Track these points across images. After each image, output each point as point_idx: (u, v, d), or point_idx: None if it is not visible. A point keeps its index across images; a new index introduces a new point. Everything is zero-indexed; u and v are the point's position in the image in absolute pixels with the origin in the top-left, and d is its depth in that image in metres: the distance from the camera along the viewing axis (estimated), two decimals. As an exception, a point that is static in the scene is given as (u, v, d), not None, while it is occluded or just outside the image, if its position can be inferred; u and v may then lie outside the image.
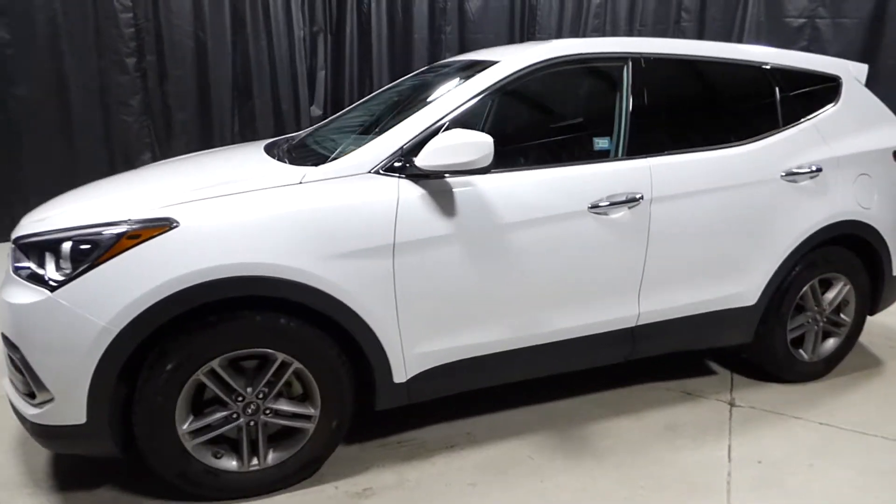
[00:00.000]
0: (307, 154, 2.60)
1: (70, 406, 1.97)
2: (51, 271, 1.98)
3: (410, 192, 2.21)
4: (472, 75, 2.46)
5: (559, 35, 5.97)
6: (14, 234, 2.18)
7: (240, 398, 2.15)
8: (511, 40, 6.10)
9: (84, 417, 1.98)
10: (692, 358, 3.28)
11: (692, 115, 2.83)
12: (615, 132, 2.59)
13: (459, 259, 2.27)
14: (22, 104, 5.02)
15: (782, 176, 2.78)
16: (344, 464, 2.42)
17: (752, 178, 2.71)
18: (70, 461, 2.40)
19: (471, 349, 2.39)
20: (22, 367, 2.01)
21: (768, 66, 2.89)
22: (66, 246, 1.97)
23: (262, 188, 2.12)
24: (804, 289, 2.95)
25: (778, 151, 2.79)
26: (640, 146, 2.58)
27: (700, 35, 5.62)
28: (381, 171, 2.22)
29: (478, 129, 2.21)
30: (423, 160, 2.16)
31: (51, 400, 1.98)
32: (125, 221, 1.98)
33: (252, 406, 2.17)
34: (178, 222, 1.99)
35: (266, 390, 2.17)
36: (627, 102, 2.59)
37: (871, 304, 3.17)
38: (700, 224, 2.64)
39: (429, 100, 2.42)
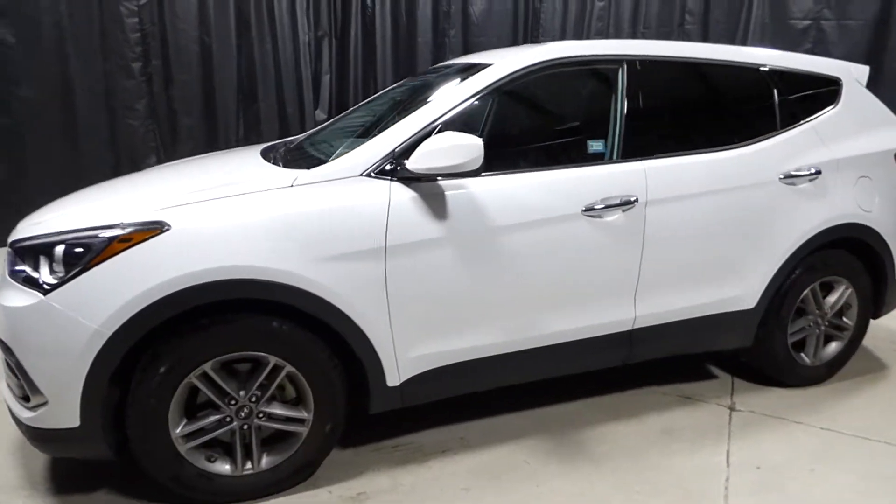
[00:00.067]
0: (302, 157, 2.61)
1: (63, 409, 1.98)
2: (45, 275, 2.00)
3: (402, 194, 2.21)
4: (467, 78, 2.46)
5: (563, 38, 5.96)
6: (11, 238, 2.20)
7: (232, 401, 2.15)
8: (514, 43, 6.10)
9: (77, 421, 1.99)
10: (692, 362, 3.25)
11: (688, 118, 2.82)
12: (610, 135, 2.57)
13: (452, 262, 2.27)
14: (27, 107, 5.07)
15: (780, 178, 2.75)
16: (338, 468, 2.41)
17: (748, 180, 2.69)
18: (67, 464, 2.42)
19: (465, 353, 2.38)
20: (16, 371, 2.03)
21: (766, 69, 2.87)
22: (59, 249, 1.99)
23: (253, 191, 2.13)
24: (805, 292, 2.92)
25: (776, 154, 2.77)
26: (635, 149, 2.56)
27: (704, 38, 5.59)
28: (372, 174, 2.22)
29: (472, 133, 2.21)
30: (414, 163, 2.16)
31: (45, 403, 2.00)
32: (117, 225, 2.00)
33: (245, 409, 2.17)
34: (169, 225, 2.00)
35: (259, 394, 2.17)
36: (622, 105, 2.58)
37: (874, 307, 3.14)
38: (696, 227, 2.62)
39: (421, 103, 2.42)
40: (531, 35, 6.09)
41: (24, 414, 2.05)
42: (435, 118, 2.31)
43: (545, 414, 2.81)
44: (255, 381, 2.16)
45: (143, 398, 2.04)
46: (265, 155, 2.68)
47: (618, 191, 2.48)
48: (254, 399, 2.17)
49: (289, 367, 2.16)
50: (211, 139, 5.84)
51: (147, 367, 2.03)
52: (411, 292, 2.23)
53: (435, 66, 3.42)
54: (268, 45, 5.93)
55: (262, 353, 2.13)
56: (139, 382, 2.03)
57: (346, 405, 2.31)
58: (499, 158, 2.38)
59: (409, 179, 2.22)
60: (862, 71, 3.15)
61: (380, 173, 2.23)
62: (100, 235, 1.98)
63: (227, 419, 2.16)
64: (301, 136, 3.22)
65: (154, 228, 1.99)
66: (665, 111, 2.75)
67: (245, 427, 2.19)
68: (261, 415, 2.19)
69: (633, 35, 5.79)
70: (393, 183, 2.22)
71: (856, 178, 2.92)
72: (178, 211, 2.04)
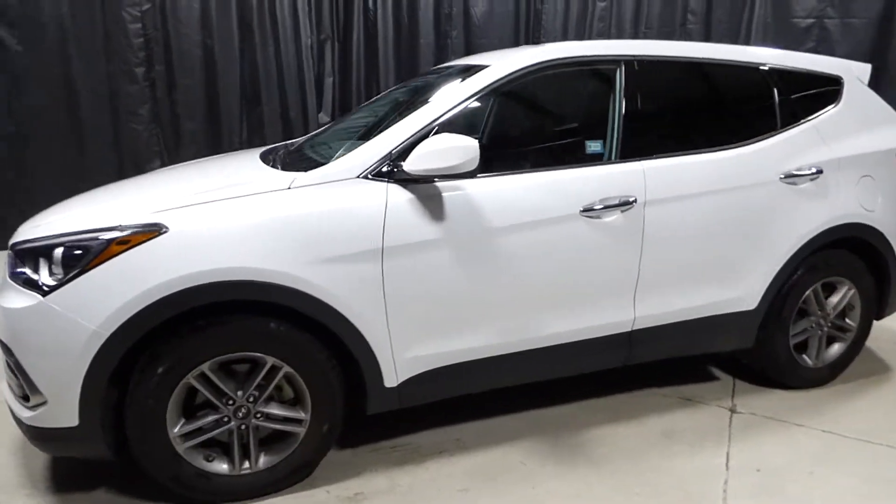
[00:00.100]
0: (300, 160, 2.62)
1: (62, 409, 2.00)
2: (44, 276, 2.02)
3: (399, 196, 2.21)
4: (464, 80, 2.47)
5: (564, 39, 5.95)
6: (11, 241, 2.22)
7: (230, 402, 2.16)
8: (516, 45, 6.10)
9: (76, 420, 2.00)
10: (693, 363, 3.23)
11: (687, 118, 2.81)
12: (608, 135, 2.57)
13: (450, 263, 2.27)
14: (31, 111, 5.12)
15: (781, 178, 2.74)
16: (336, 468, 2.42)
17: (748, 180, 2.68)
18: (68, 464, 2.43)
19: (463, 354, 2.38)
20: (16, 371, 2.05)
21: (766, 68, 2.86)
22: (59, 252, 2.00)
23: (250, 194, 2.14)
24: (806, 293, 2.90)
25: (776, 153, 2.76)
26: (633, 149, 2.56)
27: (706, 37, 5.57)
28: (369, 176, 2.23)
29: (470, 134, 2.21)
30: (410, 165, 2.17)
31: (44, 403, 2.01)
32: (115, 227, 2.01)
33: (243, 410, 2.18)
34: (167, 228, 2.01)
35: (256, 394, 2.18)
36: (620, 105, 2.57)
37: (877, 308, 3.11)
38: (696, 227, 2.61)
39: (418, 105, 2.42)
40: (533, 36, 6.09)
41: (24, 413, 2.07)
42: (431, 120, 2.32)
43: (543, 415, 2.80)
44: (252, 381, 2.17)
45: (141, 398, 2.05)
46: (264, 158, 2.69)
47: (616, 191, 2.48)
48: (251, 399, 2.18)
49: (286, 368, 2.17)
50: (214, 143, 5.87)
51: (145, 368, 2.04)
52: (408, 294, 2.23)
53: (434, 67, 3.43)
54: (270, 48, 5.96)
55: (260, 354, 2.14)
56: (138, 383, 2.04)
57: (344, 406, 2.32)
58: (497, 159, 2.38)
59: (406, 181, 2.22)
60: (864, 69, 3.13)
61: (377, 175, 2.24)
62: (98, 238, 2.00)
63: (225, 419, 2.17)
64: (301, 139, 3.23)
65: (152, 231, 2.00)
66: (664, 111, 2.74)
67: (243, 427, 2.19)
68: (258, 415, 2.20)
69: (635, 35, 5.78)
70: (390, 185, 2.22)
71: (858, 177, 2.91)
72: (175, 213, 2.05)
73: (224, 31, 5.73)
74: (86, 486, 2.32)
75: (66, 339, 1.95)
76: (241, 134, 5.99)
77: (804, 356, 3.00)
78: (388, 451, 2.54)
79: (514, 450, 2.56)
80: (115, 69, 5.36)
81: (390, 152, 2.25)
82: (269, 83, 6.00)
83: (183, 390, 2.10)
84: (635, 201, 2.49)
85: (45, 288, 1.98)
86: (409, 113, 2.37)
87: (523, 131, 2.80)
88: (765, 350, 2.91)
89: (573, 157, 2.64)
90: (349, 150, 2.35)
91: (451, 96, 2.39)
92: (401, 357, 2.29)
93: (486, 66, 2.50)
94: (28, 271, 2.06)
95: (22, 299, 2.00)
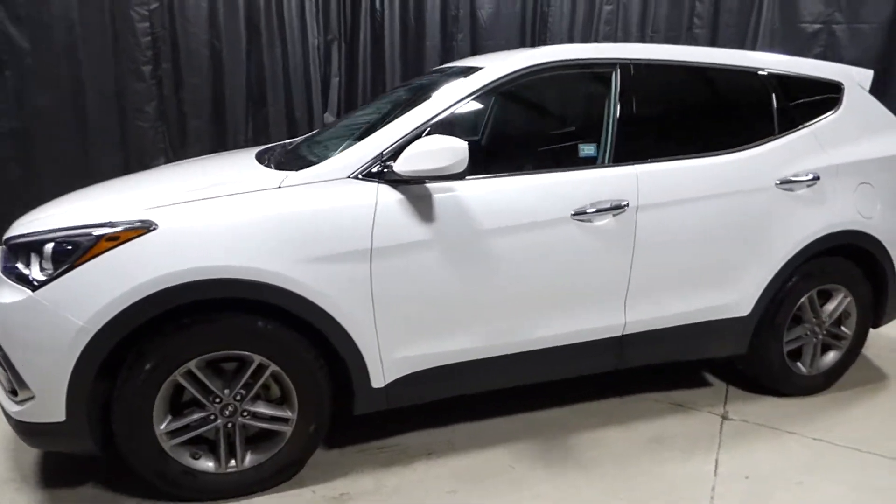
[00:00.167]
0: (295, 159, 2.63)
1: (50, 404, 2.02)
2: (35, 271, 2.04)
3: (389, 197, 2.22)
4: (459, 82, 2.47)
5: (570, 42, 5.93)
6: (6, 236, 2.25)
7: (217, 399, 2.17)
8: (522, 47, 6.09)
9: (63, 415, 2.02)
10: (687, 369, 3.21)
11: (682, 122, 2.79)
12: (602, 139, 2.56)
13: (439, 265, 2.27)
14: (38, 109, 5.17)
15: (777, 184, 2.72)
16: (323, 468, 2.42)
17: (743, 185, 2.66)
18: (57, 458, 2.46)
19: (451, 355, 2.38)
20: (5, 365, 2.07)
21: (764, 73, 2.84)
22: (49, 247, 2.03)
23: (240, 192, 2.15)
24: (801, 300, 2.88)
25: (772, 159, 2.73)
26: (627, 153, 2.55)
27: (713, 42, 5.53)
28: (360, 176, 2.24)
29: (463, 136, 2.21)
30: (400, 165, 2.18)
31: (32, 397, 2.03)
32: (105, 224, 2.03)
33: (229, 408, 2.19)
34: (156, 225, 2.03)
35: (243, 392, 2.19)
36: (615, 109, 2.56)
37: (874, 316, 3.08)
38: (689, 232, 2.59)
39: (411, 106, 2.42)
40: (539, 39, 6.08)
41: (12, 408, 2.09)
42: (423, 121, 2.32)
43: (534, 418, 2.80)
44: (239, 379, 2.18)
45: (128, 395, 2.06)
46: (260, 157, 2.71)
47: (608, 195, 2.47)
48: (238, 397, 2.19)
49: (273, 367, 2.18)
50: (220, 142, 5.91)
51: (133, 365, 2.06)
52: (397, 294, 2.24)
53: (435, 68, 3.43)
54: (277, 49, 5.99)
55: (247, 352, 2.15)
56: (125, 379, 2.06)
57: (332, 406, 2.32)
58: (489, 161, 2.38)
59: (397, 182, 2.23)
60: (865, 75, 3.10)
61: (367, 175, 2.24)
62: (88, 234, 2.02)
63: (212, 417, 2.18)
64: (299, 139, 3.25)
65: (142, 227, 2.02)
66: (659, 115, 2.73)
67: (229, 425, 2.21)
68: (245, 413, 2.21)
69: (642, 39, 5.75)
70: (380, 185, 2.23)
71: (856, 184, 2.88)
72: (165, 211, 2.07)
73: (231, 31, 5.77)
74: (74, 481, 2.34)
75: (55, 335, 1.97)
76: (247, 133, 6.02)
77: (798, 364, 2.98)
78: (375, 452, 2.54)
79: (504, 452, 2.56)
80: (123, 67, 5.41)
81: (381, 153, 2.26)
82: (275, 83, 6.02)
83: (170, 387, 2.12)
84: (627, 205, 2.48)
85: (35, 283, 2.00)
86: (401, 114, 2.37)
87: (517, 133, 2.80)
88: (758, 357, 2.89)
89: (566, 160, 2.63)
90: (342, 150, 2.35)
91: (444, 98, 2.39)
92: (388, 358, 2.29)
93: (481, 69, 2.50)
94: (20, 266, 2.08)
95: (12, 294, 2.03)
